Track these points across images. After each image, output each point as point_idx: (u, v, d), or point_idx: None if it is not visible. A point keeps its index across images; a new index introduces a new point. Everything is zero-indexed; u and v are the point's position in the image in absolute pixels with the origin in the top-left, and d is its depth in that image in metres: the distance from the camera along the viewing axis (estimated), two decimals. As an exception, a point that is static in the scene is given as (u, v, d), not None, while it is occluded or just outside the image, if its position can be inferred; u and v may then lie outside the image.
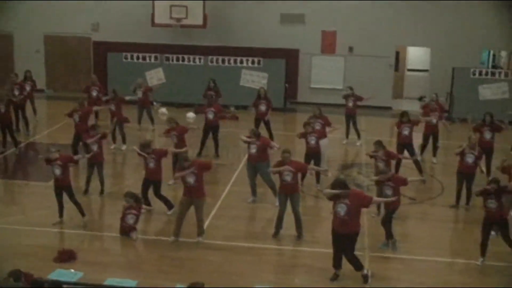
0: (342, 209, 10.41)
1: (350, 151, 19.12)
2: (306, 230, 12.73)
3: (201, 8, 23.98)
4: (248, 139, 14.21)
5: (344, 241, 10.58)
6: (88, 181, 14.78)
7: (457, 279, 11.21)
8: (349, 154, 18.92)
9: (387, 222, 12.18)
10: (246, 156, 14.89)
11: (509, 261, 11.67)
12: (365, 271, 10.84)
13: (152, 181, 13.59)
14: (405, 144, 16.14)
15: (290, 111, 24.04)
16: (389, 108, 24.79)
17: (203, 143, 17.73)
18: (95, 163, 14.63)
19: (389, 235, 12.20)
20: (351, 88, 19.56)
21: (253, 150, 14.18)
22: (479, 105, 22.73)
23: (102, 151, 14.88)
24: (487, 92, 23.23)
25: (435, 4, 24.07)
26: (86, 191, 14.72)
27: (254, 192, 14.51)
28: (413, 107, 23.72)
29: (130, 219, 12.50)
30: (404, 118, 16.19)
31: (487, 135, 15.99)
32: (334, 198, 10.53)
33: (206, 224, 12.83)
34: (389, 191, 12.03)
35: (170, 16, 23.93)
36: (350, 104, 19.29)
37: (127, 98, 18.65)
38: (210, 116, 17.58)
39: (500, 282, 11.11)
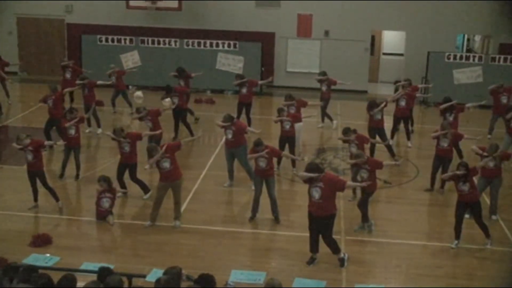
0: (316, 192, 10.48)
1: (325, 135, 19.17)
2: (282, 213, 12.79)
3: (175, -9, 23.80)
4: (224, 124, 14.14)
5: (320, 223, 10.65)
6: (64, 166, 14.66)
7: (432, 261, 11.33)
8: (325, 138, 18.96)
9: (363, 205, 12.27)
10: (223, 140, 14.82)
11: (482, 244, 11.82)
12: (341, 255, 10.92)
13: (127, 164, 13.53)
14: (377, 128, 16.19)
15: (266, 94, 24.02)
16: (365, 92, 24.84)
17: (176, 127, 17.67)
18: (73, 147, 14.51)
19: (365, 218, 12.30)
20: (324, 73, 19.52)
21: (229, 135, 14.14)
22: (454, 89, 22.91)
23: (80, 135, 14.77)
24: (461, 76, 23.39)
25: (410, -12, 24.16)
26: (62, 175, 14.62)
27: (231, 177, 14.50)
28: (389, 91, 23.83)
29: (105, 203, 12.44)
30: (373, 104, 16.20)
31: (450, 118, 16.07)
32: (308, 182, 10.58)
33: (182, 208, 12.83)
34: (365, 174, 12.11)
35: (145, -1, 23.74)
36: (324, 88, 19.30)
37: (99, 82, 18.42)
38: (175, 100, 17.49)
39: (473, 264, 11.26)
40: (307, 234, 10.96)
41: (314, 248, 10.91)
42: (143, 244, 11.60)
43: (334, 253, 10.87)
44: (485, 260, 11.41)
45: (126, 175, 13.60)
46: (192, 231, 12.13)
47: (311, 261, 10.94)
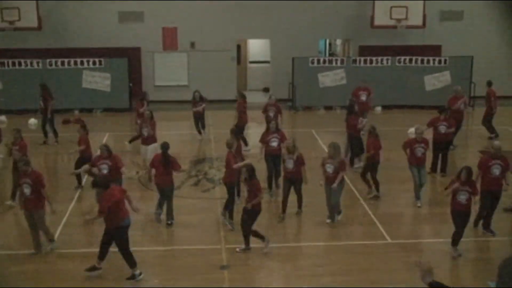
0: None
1: (201, 146, 19.12)
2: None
3: (34, 10, 23.10)
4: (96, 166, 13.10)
5: (112, 236, 10.67)
6: None
7: (311, 261, 11.58)
8: (200, 149, 18.92)
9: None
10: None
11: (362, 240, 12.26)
12: (136, 271, 10.77)
13: None
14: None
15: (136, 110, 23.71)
16: (234, 101, 25.05)
17: None
18: None
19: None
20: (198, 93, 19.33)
21: (105, 170, 13.06)
22: (320, 93, 23.69)
23: None
24: (326, 79, 24.19)
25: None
26: None
27: None
28: (258, 99, 24.20)
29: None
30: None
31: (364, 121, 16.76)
32: None
33: (58, 231, 12.43)
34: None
35: (2, 19, 22.83)
36: (197, 109, 19.14)
37: None
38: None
39: (349, 259, 11.59)
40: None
41: (101, 255, 10.84)
42: (19, 275, 11.07)
43: (130, 267, 10.76)
44: (359, 254, 11.79)
45: None
46: (68, 256, 11.69)
47: (93, 268, 10.83)
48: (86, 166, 13.53)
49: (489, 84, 20.22)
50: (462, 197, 11.32)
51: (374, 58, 24.29)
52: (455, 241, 11.56)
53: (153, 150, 15.70)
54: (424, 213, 13.81)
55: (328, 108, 23.72)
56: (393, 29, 24.30)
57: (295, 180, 13.20)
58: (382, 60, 24.27)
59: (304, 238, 12.72)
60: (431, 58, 24.36)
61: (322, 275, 11.04)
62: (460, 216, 11.42)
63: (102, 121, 21.61)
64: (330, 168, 12.71)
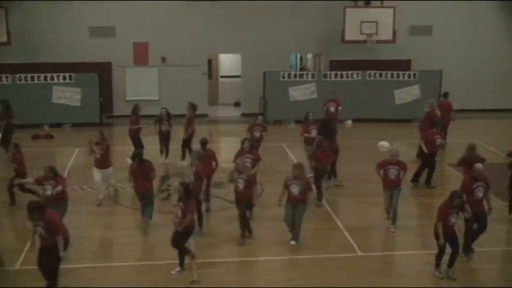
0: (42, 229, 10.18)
1: (171, 161, 18.89)
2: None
3: (3, 24, 22.92)
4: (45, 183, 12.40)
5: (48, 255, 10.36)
6: None
7: (283, 275, 11.58)
8: (170, 165, 18.69)
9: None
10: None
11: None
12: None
13: None
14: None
15: (106, 125, 23.59)
16: (205, 115, 25.10)
17: None
18: None
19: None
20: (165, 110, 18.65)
21: (49, 192, 12.37)
22: (291, 107, 23.78)
23: None
24: (297, 93, 24.29)
25: (243, 11, 24.80)
26: None
27: None
28: (230, 113, 24.23)
29: None
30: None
31: (313, 133, 16.67)
32: None
33: (26, 247, 12.26)
34: None
35: (-30, 35, 22.67)
36: (164, 127, 18.29)
37: None
38: None
39: (319, 273, 11.60)
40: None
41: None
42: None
43: (51, 285, 10.38)
44: (329, 268, 11.79)
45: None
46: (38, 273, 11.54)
47: None
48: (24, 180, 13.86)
49: (445, 95, 20.55)
50: (452, 219, 11.13)
51: (344, 73, 24.48)
52: (451, 263, 11.35)
53: (108, 174, 15.27)
54: (395, 225, 13.82)
55: (299, 122, 23.74)
56: (364, 44, 24.50)
57: (244, 202, 12.78)
58: (352, 74, 24.48)
59: (273, 252, 12.58)
60: (401, 73, 24.64)
61: (293, 289, 11.05)
62: (451, 238, 11.21)
63: (72, 136, 21.38)
64: (296, 189, 12.38)
